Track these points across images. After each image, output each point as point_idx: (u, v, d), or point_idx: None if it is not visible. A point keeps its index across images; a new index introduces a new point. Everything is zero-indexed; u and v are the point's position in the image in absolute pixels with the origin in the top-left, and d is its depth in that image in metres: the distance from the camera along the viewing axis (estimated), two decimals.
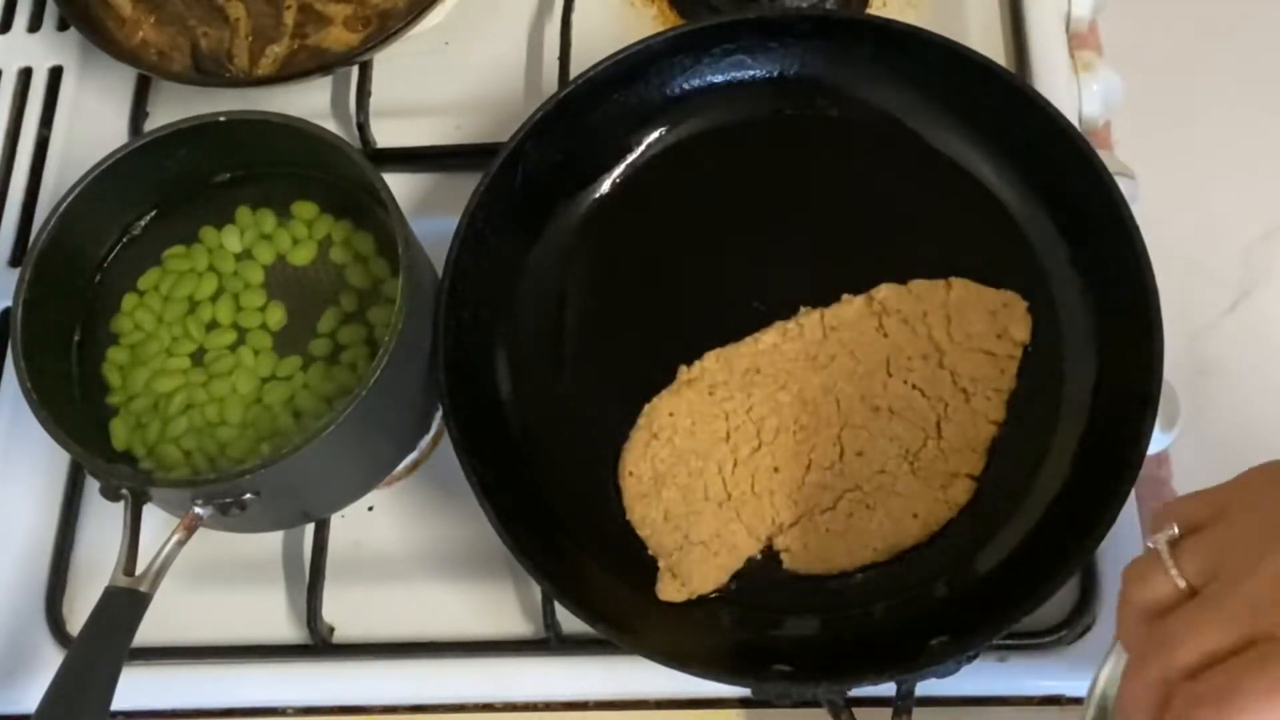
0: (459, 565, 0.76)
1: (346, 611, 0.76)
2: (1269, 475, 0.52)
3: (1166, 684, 0.49)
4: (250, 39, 0.87)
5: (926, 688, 0.66)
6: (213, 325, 0.74)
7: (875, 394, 0.73)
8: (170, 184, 0.76)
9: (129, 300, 0.75)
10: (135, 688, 0.68)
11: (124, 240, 0.77)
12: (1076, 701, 0.71)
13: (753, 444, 0.73)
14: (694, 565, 0.71)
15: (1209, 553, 0.50)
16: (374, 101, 0.87)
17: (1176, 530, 0.51)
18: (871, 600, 0.71)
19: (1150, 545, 0.52)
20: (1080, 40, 0.86)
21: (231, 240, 0.76)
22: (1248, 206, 0.87)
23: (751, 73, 0.81)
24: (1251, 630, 0.47)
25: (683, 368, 0.75)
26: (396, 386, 0.70)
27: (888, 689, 0.66)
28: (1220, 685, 0.48)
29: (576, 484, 0.74)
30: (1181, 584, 0.50)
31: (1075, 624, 0.72)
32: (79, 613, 0.76)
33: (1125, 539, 0.73)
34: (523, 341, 0.77)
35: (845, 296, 0.76)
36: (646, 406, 0.74)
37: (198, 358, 0.74)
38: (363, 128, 0.86)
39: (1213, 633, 0.48)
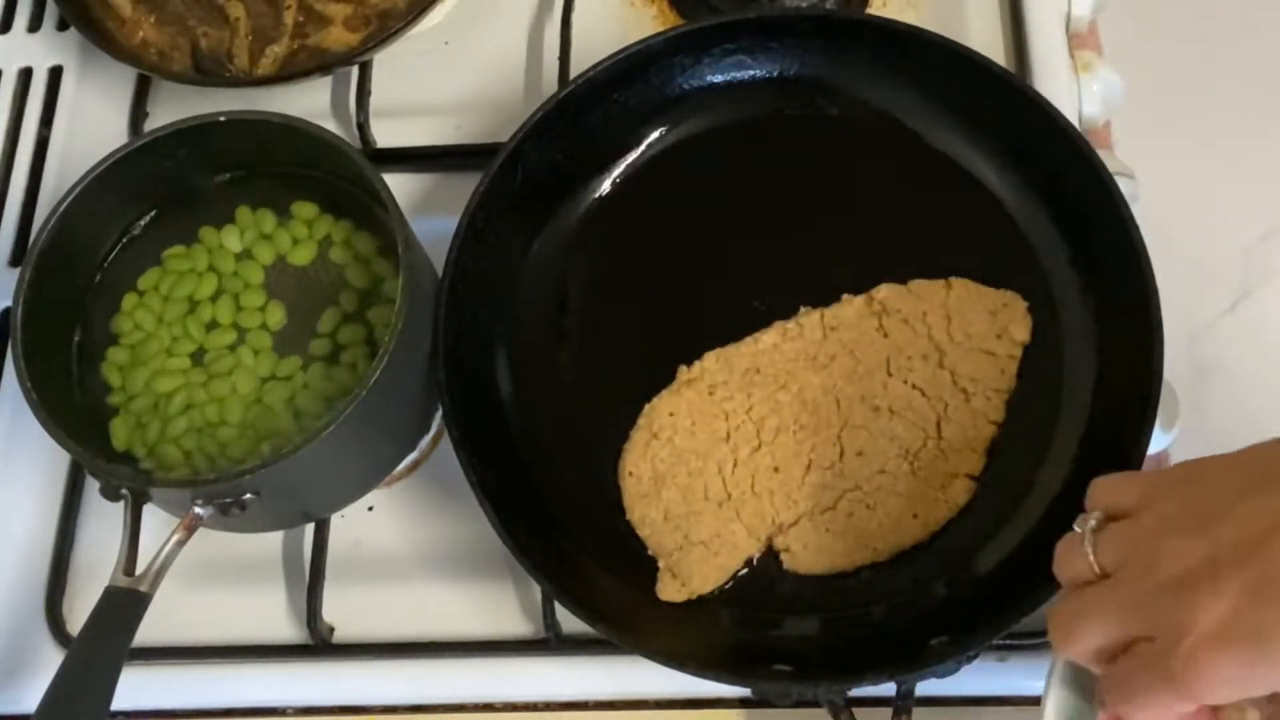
0: (459, 565, 0.76)
1: (346, 611, 0.76)
2: (1191, 473, 0.54)
3: (1086, 654, 0.54)
4: (250, 39, 0.87)
5: (926, 688, 0.66)
6: (213, 325, 0.74)
7: (875, 394, 0.73)
8: (170, 184, 0.76)
9: (129, 300, 0.75)
10: (135, 688, 0.68)
11: (124, 240, 0.77)
12: None
13: (753, 444, 0.73)
14: (694, 565, 0.71)
15: (1122, 543, 0.53)
16: (374, 101, 0.87)
17: (1100, 516, 0.55)
18: (871, 600, 0.71)
19: (1076, 528, 0.55)
20: (1080, 40, 0.86)
21: (231, 240, 0.76)
22: (1248, 206, 0.87)
23: (751, 73, 0.81)
24: (1140, 628, 0.51)
25: (683, 368, 0.75)
26: (396, 386, 0.70)
27: (888, 689, 0.66)
28: (1119, 677, 0.53)
29: (576, 484, 0.74)
30: (1096, 569, 0.54)
31: None
32: (79, 613, 0.76)
33: None
34: (523, 341, 0.78)
35: (845, 296, 0.76)
36: (646, 406, 0.74)
37: (198, 358, 0.74)
38: (363, 128, 0.86)
39: (1109, 621, 0.53)
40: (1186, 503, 0.52)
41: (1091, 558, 0.54)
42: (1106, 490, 0.56)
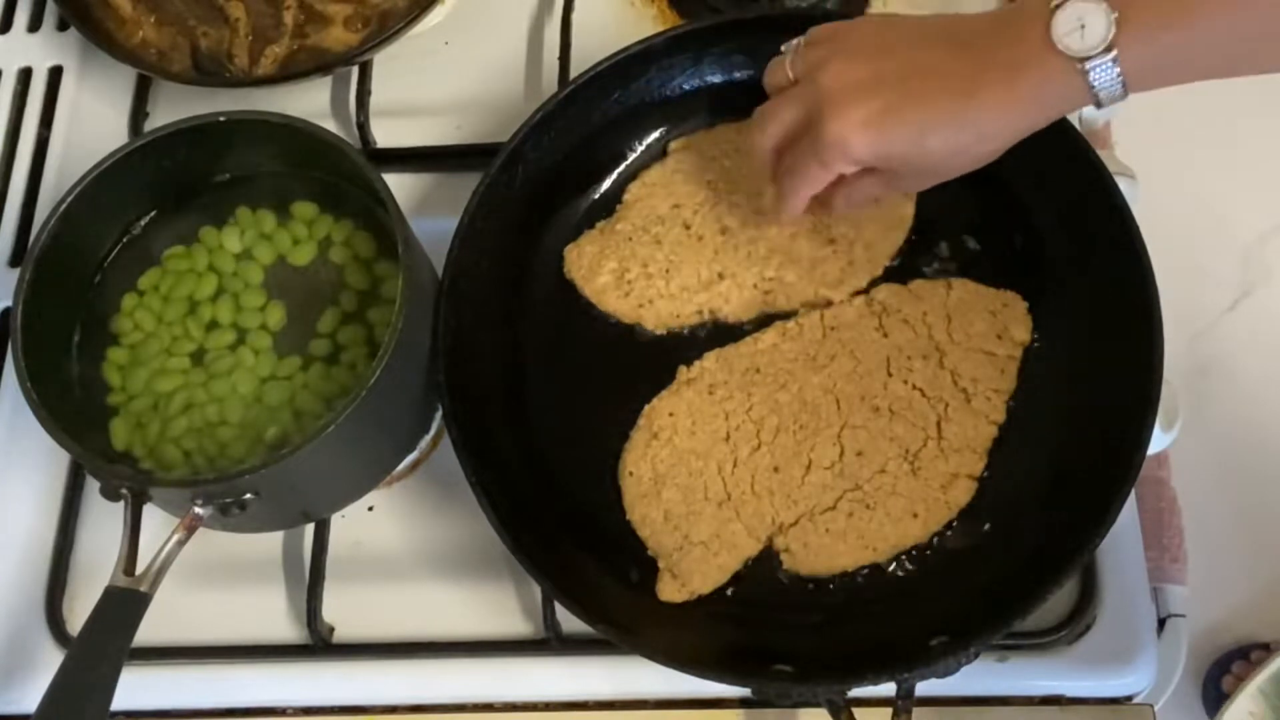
0: (459, 565, 0.76)
1: (346, 611, 0.76)
2: (885, 19, 0.71)
3: (771, 146, 0.68)
4: (250, 39, 0.87)
5: (926, 688, 0.66)
6: (213, 325, 0.74)
7: (875, 394, 0.73)
8: (170, 184, 0.76)
9: (129, 300, 0.75)
10: (135, 688, 0.68)
11: (124, 240, 0.77)
12: (1076, 702, 0.71)
13: (752, 444, 0.73)
14: (694, 565, 0.71)
15: (813, 58, 0.66)
16: (374, 101, 0.87)
17: (803, 41, 0.68)
18: (871, 600, 0.71)
19: (782, 50, 0.68)
20: None
21: (231, 240, 0.76)
22: (1248, 206, 0.87)
23: (751, 73, 0.80)
24: (809, 113, 0.65)
25: (683, 368, 0.75)
26: (396, 386, 0.70)
27: (888, 689, 0.66)
28: (788, 162, 0.68)
29: (576, 484, 0.74)
30: (790, 76, 0.67)
31: (1075, 624, 0.72)
32: (79, 613, 0.76)
33: (1125, 539, 0.73)
34: (523, 341, 0.78)
35: (845, 296, 0.76)
36: (646, 407, 0.74)
37: (198, 358, 0.74)
38: (363, 128, 0.86)
39: (786, 110, 0.67)
40: (867, 41, 0.65)
41: (788, 66, 0.67)
42: (816, 27, 0.68)
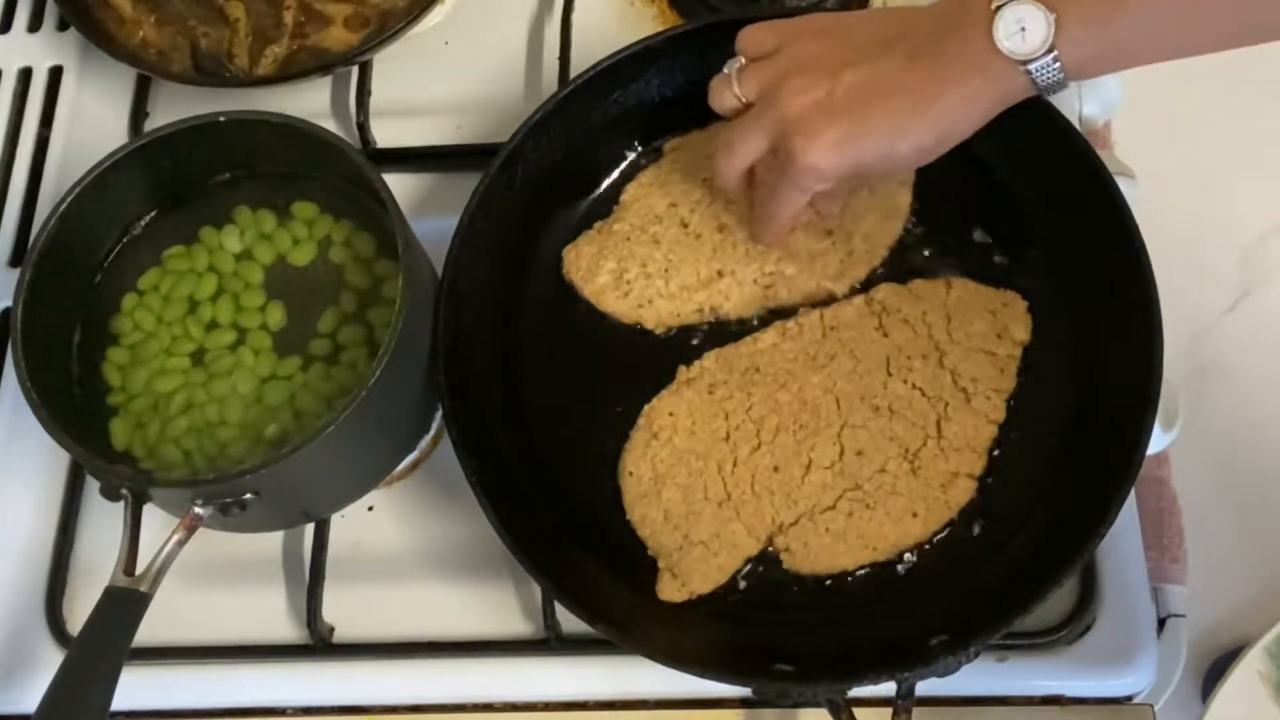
0: (459, 565, 0.76)
1: (346, 611, 0.76)
2: (826, 26, 0.67)
3: (740, 174, 0.69)
4: (250, 39, 0.87)
5: (926, 688, 0.66)
6: (213, 325, 0.74)
7: (875, 393, 0.73)
8: (170, 184, 0.76)
9: (129, 300, 0.75)
10: (135, 688, 0.68)
11: (124, 240, 0.77)
12: (1076, 701, 0.71)
13: (752, 444, 0.73)
14: (694, 565, 0.71)
15: (764, 77, 0.66)
16: (374, 101, 0.87)
17: (743, 60, 0.67)
18: (871, 600, 0.71)
19: (725, 71, 0.68)
20: None
21: (231, 240, 0.76)
22: (1248, 206, 0.87)
23: None
24: (775, 140, 0.65)
25: (682, 368, 0.75)
26: (396, 386, 0.70)
27: (888, 689, 0.66)
28: (761, 186, 0.70)
29: (576, 484, 0.74)
30: (741, 100, 0.67)
31: (1075, 624, 0.72)
32: (79, 613, 0.76)
33: (1125, 539, 0.73)
34: (523, 341, 0.78)
35: (845, 296, 0.76)
36: (646, 407, 0.74)
37: (198, 358, 0.74)
38: (363, 128, 0.86)
39: (750, 138, 0.67)
40: (815, 54, 0.65)
41: (737, 89, 0.67)
42: (750, 36, 0.68)
